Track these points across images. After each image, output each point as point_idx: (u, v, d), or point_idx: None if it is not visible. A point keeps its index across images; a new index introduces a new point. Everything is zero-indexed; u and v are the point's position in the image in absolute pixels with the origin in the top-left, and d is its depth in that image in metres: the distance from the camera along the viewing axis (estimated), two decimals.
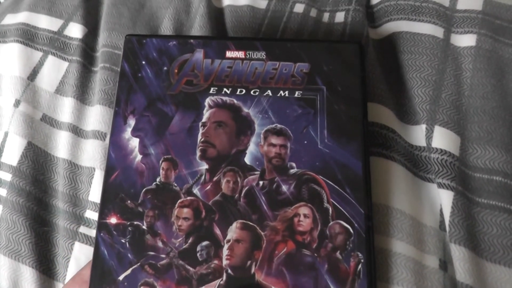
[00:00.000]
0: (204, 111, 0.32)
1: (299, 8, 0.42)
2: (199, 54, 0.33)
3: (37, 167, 0.38)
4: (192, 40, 0.34)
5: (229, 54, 0.33)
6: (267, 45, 0.33)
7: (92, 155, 0.38)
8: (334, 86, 0.32)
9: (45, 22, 0.44)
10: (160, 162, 0.30)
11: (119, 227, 0.29)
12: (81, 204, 0.37)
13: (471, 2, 0.39)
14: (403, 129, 0.35)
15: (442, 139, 0.33)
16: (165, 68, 0.33)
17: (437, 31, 0.38)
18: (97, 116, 0.39)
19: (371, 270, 0.28)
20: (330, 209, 0.29)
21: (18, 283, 0.34)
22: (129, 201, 0.29)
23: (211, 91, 0.32)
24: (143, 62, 0.33)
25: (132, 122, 0.32)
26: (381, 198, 0.33)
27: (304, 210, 0.29)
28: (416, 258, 0.31)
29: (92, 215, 0.36)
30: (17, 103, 0.40)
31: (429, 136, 0.34)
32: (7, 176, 0.37)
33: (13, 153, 0.38)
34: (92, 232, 0.36)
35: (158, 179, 0.30)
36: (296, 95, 0.32)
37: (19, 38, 0.43)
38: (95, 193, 0.37)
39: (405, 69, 0.37)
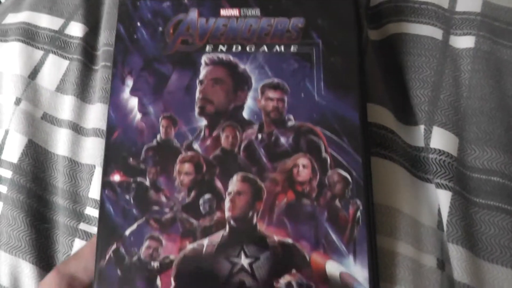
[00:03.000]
0: (201, 69, 0.32)
1: None
2: (193, 14, 0.33)
3: (37, 164, 0.38)
4: (186, 0, 0.34)
5: (223, 12, 0.33)
6: (261, 2, 0.33)
7: (93, 152, 0.38)
8: (330, 40, 0.32)
9: (46, 21, 0.44)
10: (160, 119, 0.31)
11: (123, 184, 0.30)
12: (81, 201, 0.37)
13: (470, 4, 0.39)
14: (402, 129, 0.36)
15: (441, 140, 0.33)
16: (160, 28, 0.33)
17: (436, 32, 0.38)
18: (97, 114, 0.39)
19: (370, 216, 0.29)
20: (329, 158, 0.30)
21: (19, 279, 0.35)
22: (131, 159, 0.30)
23: (207, 49, 0.32)
24: (138, 24, 0.33)
25: (130, 82, 0.32)
26: (380, 198, 0.33)
27: (302, 160, 0.30)
28: (413, 257, 0.31)
29: (92, 212, 0.37)
30: (18, 101, 0.40)
31: (427, 136, 0.34)
32: (8, 173, 0.38)
33: (14, 151, 0.38)
34: (93, 229, 0.36)
35: (158, 137, 0.30)
36: (292, 50, 0.32)
37: (20, 37, 0.43)
38: (95, 190, 0.37)
39: (404, 70, 0.37)
